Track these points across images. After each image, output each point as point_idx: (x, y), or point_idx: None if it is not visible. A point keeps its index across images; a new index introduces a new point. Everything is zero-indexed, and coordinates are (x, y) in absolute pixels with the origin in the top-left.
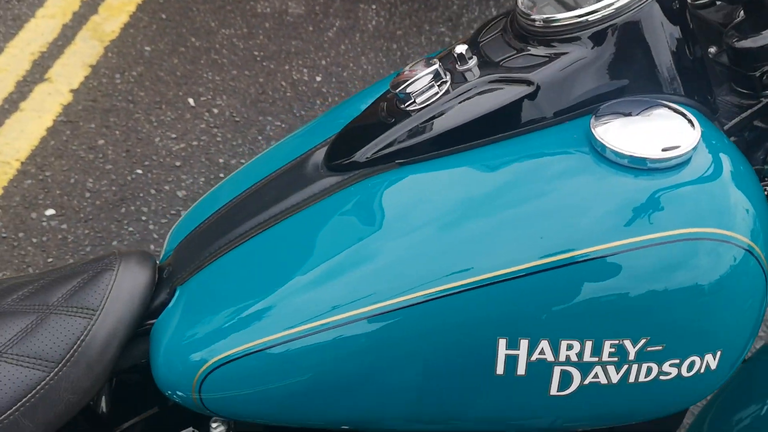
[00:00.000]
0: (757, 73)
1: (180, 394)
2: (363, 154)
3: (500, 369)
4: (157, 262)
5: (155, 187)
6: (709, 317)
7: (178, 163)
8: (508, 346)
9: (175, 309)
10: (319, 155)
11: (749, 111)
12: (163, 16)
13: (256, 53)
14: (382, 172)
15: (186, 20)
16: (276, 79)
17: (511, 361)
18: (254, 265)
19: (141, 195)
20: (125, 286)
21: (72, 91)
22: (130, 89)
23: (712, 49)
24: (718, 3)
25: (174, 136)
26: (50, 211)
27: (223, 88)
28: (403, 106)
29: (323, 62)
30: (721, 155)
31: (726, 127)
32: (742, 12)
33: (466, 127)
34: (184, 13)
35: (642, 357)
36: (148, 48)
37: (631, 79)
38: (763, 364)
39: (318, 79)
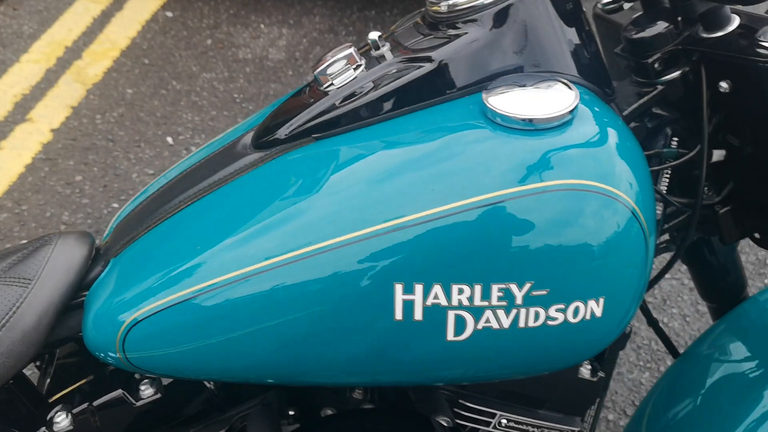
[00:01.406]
0: (650, 60)
1: (110, 354)
2: (284, 131)
3: (399, 314)
4: (96, 241)
5: None
6: (591, 265)
7: None
8: (405, 291)
9: (108, 278)
10: (248, 137)
11: (646, 97)
12: (146, 61)
13: (235, 95)
14: (300, 146)
15: (168, 65)
16: None
17: (408, 306)
18: (181, 233)
19: None
20: (62, 258)
21: (53, 130)
22: (111, 129)
23: (618, 49)
24: (626, 7)
25: (151, 172)
26: None
27: (202, 127)
28: (322, 88)
29: None
30: (606, 122)
31: (626, 113)
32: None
33: (375, 102)
34: (167, 59)
35: (528, 301)
36: (129, 90)
37: (525, 58)
38: (695, 358)
39: None
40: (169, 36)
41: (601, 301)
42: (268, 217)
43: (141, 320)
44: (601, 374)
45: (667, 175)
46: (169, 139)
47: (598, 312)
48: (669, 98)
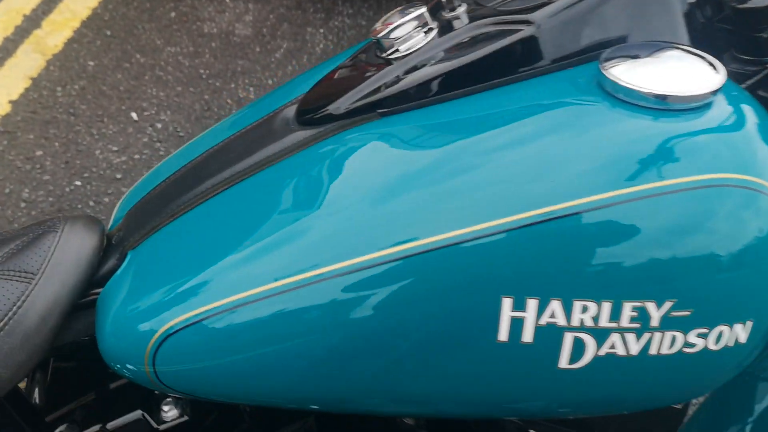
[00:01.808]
0: (765, 35)
1: (131, 367)
2: (339, 106)
3: (503, 335)
4: (106, 229)
5: (94, 199)
6: (741, 279)
7: (119, 176)
8: (514, 307)
9: (125, 274)
10: (290, 111)
11: (754, 78)
12: (108, 33)
13: (201, 71)
14: (361, 123)
15: (131, 37)
16: (221, 96)
17: (517, 325)
18: (213, 226)
19: (79, 206)
20: (70, 249)
21: (11, 102)
22: (72, 102)
23: (719, 18)
24: None
25: (115, 148)
26: None
27: (168, 103)
28: (385, 54)
29: (270, 81)
30: (744, 104)
31: None
32: None
33: (456, 73)
34: (130, 31)
35: (667, 323)
36: (91, 62)
37: (640, 25)
38: (745, 377)
39: None
40: (131, 7)
41: (749, 324)
42: (329, 210)
43: (178, 330)
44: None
45: None
46: (134, 115)
47: (743, 337)
48: None
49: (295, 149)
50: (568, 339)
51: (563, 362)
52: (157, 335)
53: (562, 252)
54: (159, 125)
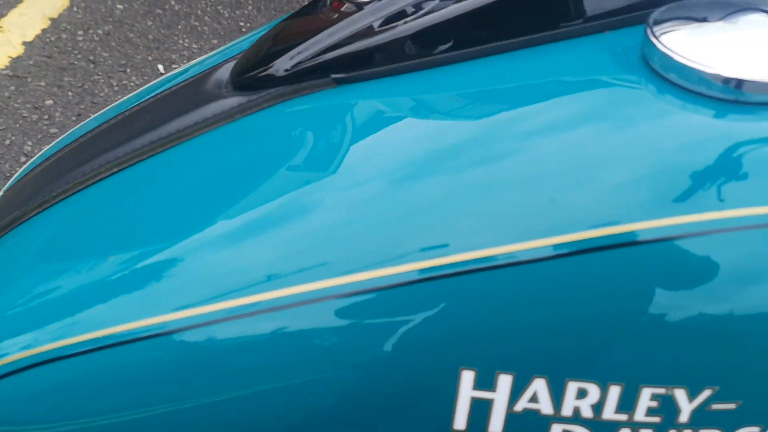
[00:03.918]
0: None
1: None
2: (283, 65)
3: (461, 422)
4: None
5: None
6: None
7: None
8: (477, 384)
9: None
10: (225, 71)
11: None
12: None
13: (241, 23)
14: (309, 92)
15: None
16: None
17: (481, 409)
18: (94, 222)
19: None
20: None
21: (25, 43)
22: (93, 48)
23: None
24: None
25: None
26: None
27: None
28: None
29: None
30: None
31: None
32: None
33: (445, 28)
34: None
35: (702, 419)
36: (120, 6)
37: None
38: None
39: None
40: None
41: None
42: (258, 218)
43: (18, 370)
44: None
45: None
46: (161, 67)
47: None
48: None
49: (221, 120)
50: None
51: None
52: None
53: (553, 305)
54: None
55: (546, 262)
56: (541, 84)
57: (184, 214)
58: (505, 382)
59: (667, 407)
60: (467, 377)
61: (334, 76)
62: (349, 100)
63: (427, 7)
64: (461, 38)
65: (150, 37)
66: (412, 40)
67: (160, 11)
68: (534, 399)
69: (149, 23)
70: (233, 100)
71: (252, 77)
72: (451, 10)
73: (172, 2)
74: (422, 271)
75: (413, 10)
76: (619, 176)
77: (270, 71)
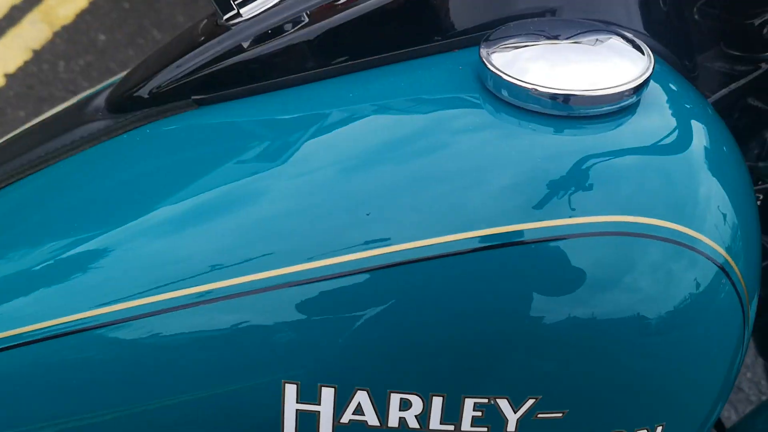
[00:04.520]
0: (756, 22)
1: None
2: (150, 87)
3: None
4: None
5: None
6: (651, 367)
7: None
8: (301, 397)
9: None
10: (104, 97)
11: (744, 80)
12: (126, 5)
13: None
14: (172, 113)
15: (151, 11)
16: None
17: (308, 422)
18: None
19: None
20: None
21: (6, 75)
22: (74, 78)
23: (703, 3)
24: None
25: None
26: None
27: None
28: (223, 20)
29: None
30: (693, 113)
31: (710, 100)
32: None
33: (305, 48)
34: (150, 4)
35: (529, 428)
36: (102, 36)
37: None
38: None
39: None
40: None
41: (659, 430)
42: (102, 241)
43: None
44: None
45: (759, 201)
46: None
47: None
48: None
49: (84, 143)
50: None
51: None
52: None
53: (372, 318)
54: None
55: (356, 276)
56: (379, 104)
57: (31, 235)
58: (328, 394)
59: (492, 417)
60: (290, 390)
61: (194, 97)
62: (206, 121)
63: (289, 28)
64: (320, 57)
65: (131, 66)
66: (274, 59)
67: (142, 40)
68: (359, 411)
69: (131, 53)
70: (101, 123)
71: (122, 99)
72: (311, 32)
73: (155, 32)
74: (234, 287)
75: (279, 32)
76: (442, 190)
77: (138, 92)
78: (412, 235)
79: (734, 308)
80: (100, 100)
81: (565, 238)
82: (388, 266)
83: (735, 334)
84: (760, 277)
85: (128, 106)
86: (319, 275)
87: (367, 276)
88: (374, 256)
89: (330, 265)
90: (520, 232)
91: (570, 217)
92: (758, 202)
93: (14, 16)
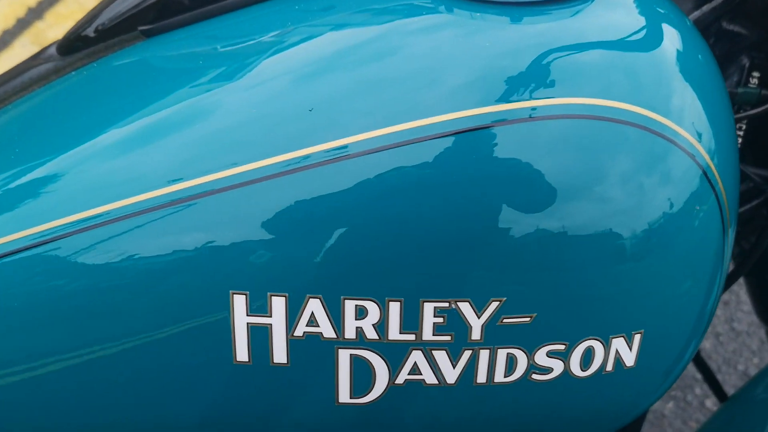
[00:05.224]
0: None
1: None
2: (96, 24)
3: (242, 353)
4: None
5: None
6: (625, 268)
7: None
8: (251, 309)
9: None
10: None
11: (715, 1)
12: None
13: None
14: (120, 47)
15: None
16: None
17: (260, 337)
18: None
19: None
20: None
21: None
22: None
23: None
24: None
25: None
26: None
27: None
28: None
29: None
30: (667, 23)
31: None
32: None
33: None
34: None
35: (494, 335)
36: None
37: None
38: (749, 404)
39: None
40: None
41: (636, 339)
42: (63, 159)
43: None
44: None
45: (740, 131)
46: None
47: (630, 359)
48: (753, 7)
49: (35, 83)
50: (345, 359)
51: (343, 395)
52: None
53: (323, 216)
54: None
55: (300, 173)
56: (331, 14)
57: None
58: (278, 304)
59: (455, 324)
60: (239, 301)
61: (140, 28)
62: (155, 50)
63: None
64: None
65: None
66: None
67: None
68: (313, 321)
69: None
70: (51, 65)
71: (70, 41)
72: None
73: None
74: (179, 192)
75: None
76: (397, 89)
77: (85, 32)
78: (364, 126)
79: (713, 209)
80: (52, 48)
81: (527, 121)
82: (336, 159)
83: (714, 238)
84: (738, 199)
85: (77, 47)
86: (261, 175)
87: (313, 172)
88: (321, 151)
89: (274, 164)
90: (478, 117)
91: (531, 99)
92: (739, 132)
93: (6, 40)
